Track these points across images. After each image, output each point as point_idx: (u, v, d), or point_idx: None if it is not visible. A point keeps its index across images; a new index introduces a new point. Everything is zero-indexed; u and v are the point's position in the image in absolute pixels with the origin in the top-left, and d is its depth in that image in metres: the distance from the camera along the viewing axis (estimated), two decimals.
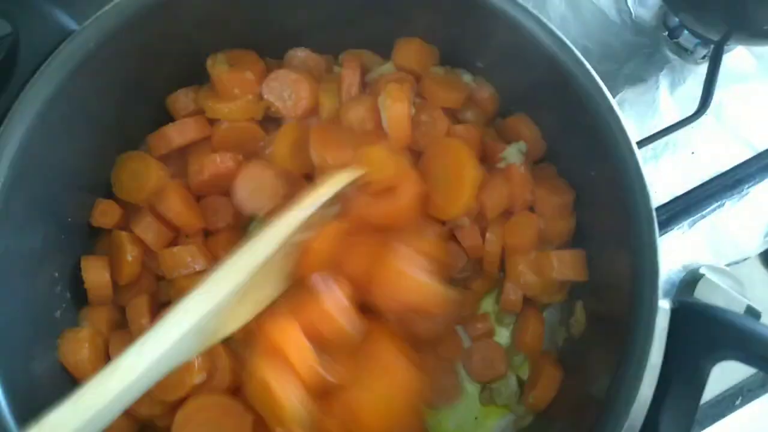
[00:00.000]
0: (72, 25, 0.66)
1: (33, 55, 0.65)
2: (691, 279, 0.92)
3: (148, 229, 0.75)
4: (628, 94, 1.03)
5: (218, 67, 0.75)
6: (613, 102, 0.64)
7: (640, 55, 1.05)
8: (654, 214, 0.61)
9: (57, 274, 0.72)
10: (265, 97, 0.77)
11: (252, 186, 0.76)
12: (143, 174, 0.76)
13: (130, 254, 0.75)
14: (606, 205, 0.68)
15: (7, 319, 0.63)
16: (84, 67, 0.65)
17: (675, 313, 0.61)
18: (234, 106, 0.76)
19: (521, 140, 0.77)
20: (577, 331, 0.75)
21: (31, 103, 0.63)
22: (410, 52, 0.79)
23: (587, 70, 0.65)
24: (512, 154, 0.76)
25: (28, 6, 0.65)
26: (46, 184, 0.68)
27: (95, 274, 0.74)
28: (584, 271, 0.72)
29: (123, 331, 0.75)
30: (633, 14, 1.07)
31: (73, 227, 0.75)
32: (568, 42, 0.66)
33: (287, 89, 0.77)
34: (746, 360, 0.56)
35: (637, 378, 0.58)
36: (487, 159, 0.78)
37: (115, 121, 0.74)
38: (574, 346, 0.72)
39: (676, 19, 1.03)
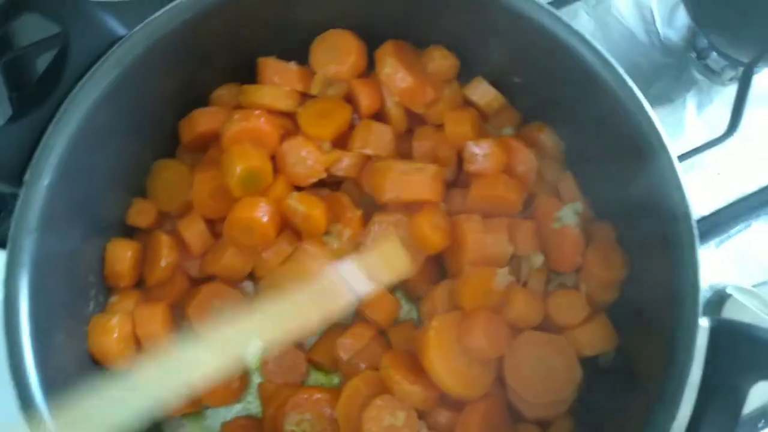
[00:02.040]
0: (121, 30, 0.67)
1: (82, 59, 0.65)
2: (718, 299, 0.92)
3: (197, 236, 0.76)
4: (656, 114, 1.03)
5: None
6: (651, 113, 0.66)
7: (668, 75, 1.06)
8: (695, 229, 0.61)
9: (92, 277, 0.73)
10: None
11: None
12: (177, 185, 0.77)
13: (165, 260, 0.75)
14: (643, 220, 0.68)
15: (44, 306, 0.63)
16: (131, 72, 0.66)
17: (714, 332, 0.61)
18: (269, 91, 0.77)
19: (577, 201, 0.76)
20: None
21: (79, 106, 0.64)
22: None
23: (626, 84, 0.66)
24: (567, 216, 0.75)
25: (79, 10, 0.66)
26: (87, 185, 0.69)
27: (116, 262, 0.74)
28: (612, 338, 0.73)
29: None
30: (661, 35, 1.08)
31: (110, 226, 0.76)
32: (605, 54, 0.67)
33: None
34: None
35: (678, 396, 0.58)
36: (540, 216, 0.77)
37: (158, 123, 0.75)
38: (616, 362, 0.72)
39: (705, 41, 1.04)
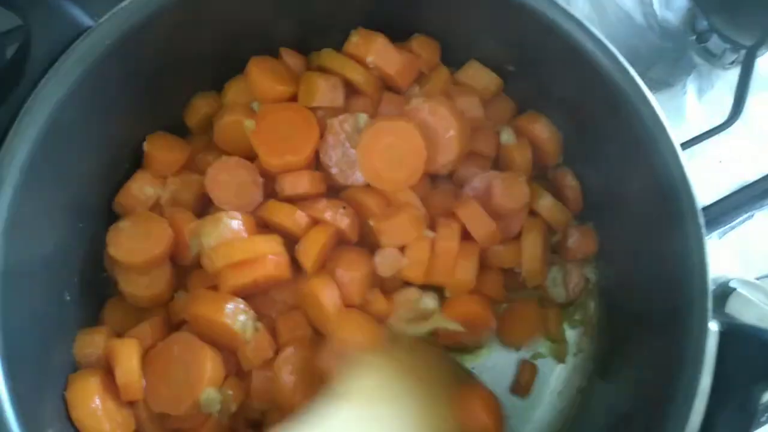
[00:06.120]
0: (86, 21, 0.62)
1: (45, 53, 0.61)
2: (722, 293, 0.89)
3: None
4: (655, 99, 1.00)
5: None
6: (654, 102, 0.62)
7: (667, 59, 1.02)
8: (703, 228, 0.58)
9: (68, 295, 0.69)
10: None
11: None
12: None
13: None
14: (645, 216, 0.65)
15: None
16: (100, 66, 0.61)
17: (723, 336, 0.58)
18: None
19: None
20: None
21: (44, 103, 0.60)
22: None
23: (627, 72, 0.63)
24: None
25: (40, 0, 0.61)
26: (59, 189, 0.64)
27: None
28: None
29: None
30: (659, 17, 1.03)
31: (87, 228, 0.71)
32: (605, 41, 0.63)
33: None
34: None
35: (687, 405, 0.55)
36: None
37: (134, 122, 0.71)
38: (623, 366, 0.69)
39: (705, 23, 1.00)
